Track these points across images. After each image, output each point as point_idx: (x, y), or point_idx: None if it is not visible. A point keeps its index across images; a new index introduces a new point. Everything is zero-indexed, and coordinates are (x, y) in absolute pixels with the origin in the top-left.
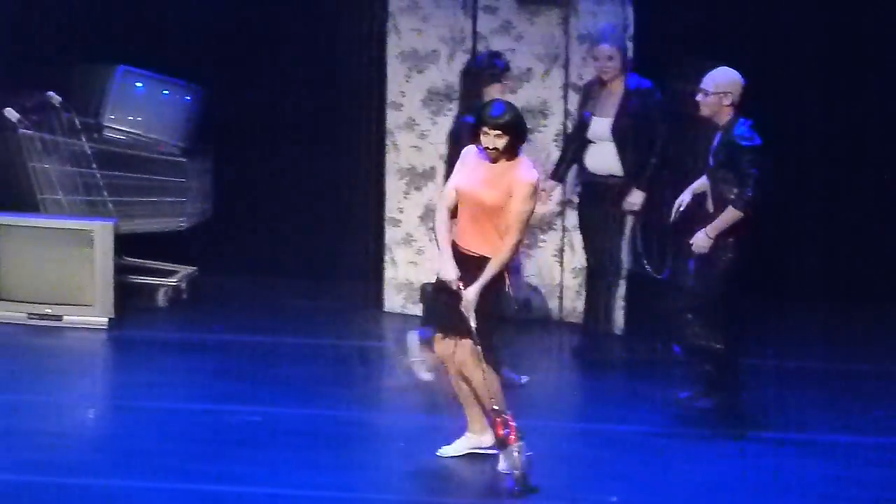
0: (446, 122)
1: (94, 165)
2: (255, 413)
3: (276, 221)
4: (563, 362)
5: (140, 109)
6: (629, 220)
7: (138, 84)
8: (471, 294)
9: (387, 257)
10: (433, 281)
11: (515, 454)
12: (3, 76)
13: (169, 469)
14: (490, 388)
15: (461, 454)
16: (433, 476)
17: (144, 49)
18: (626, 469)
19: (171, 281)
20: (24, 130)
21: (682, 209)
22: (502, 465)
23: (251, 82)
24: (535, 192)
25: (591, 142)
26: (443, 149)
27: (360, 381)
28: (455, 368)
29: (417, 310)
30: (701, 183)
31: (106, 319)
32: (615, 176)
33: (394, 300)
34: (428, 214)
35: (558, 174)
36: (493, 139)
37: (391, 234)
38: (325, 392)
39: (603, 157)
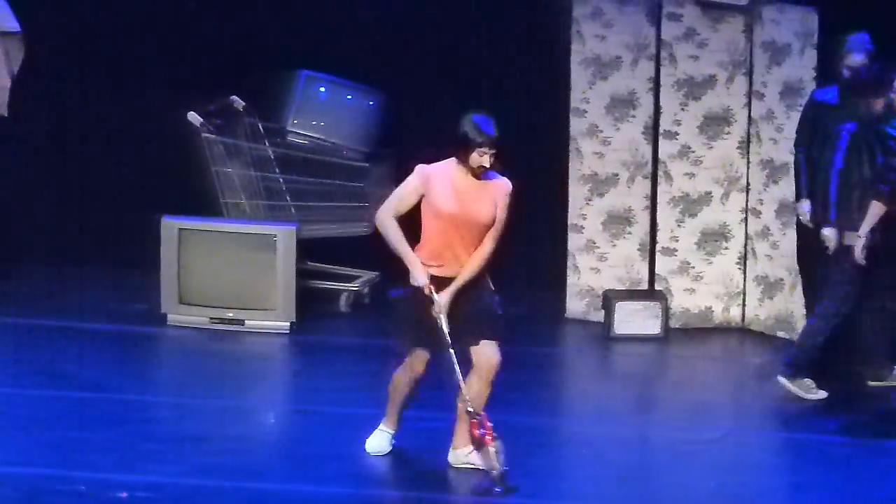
0: (629, 129)
1: (277, 170)
2: (438, 419)
3: None
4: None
5: (323, 114)
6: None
7: (322, 89)
8: (444, 298)
9: (569, 263)
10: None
11: (492, 453)
12: (187, 81)
13: (349, 474)
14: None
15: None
16: (621, 483)
17: (327, 54)
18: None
19: (353, 286)
20: (207, 135)
21: None
22: (481, 465)
23: (433, 87)
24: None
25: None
26: (625, 155)
27: (542, 388)
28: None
29: (599, 316)
30: None
31: (288, 324)
32: None
33: (576, 306)
34: (610, 221)
35: (807, 190)
36: (488, 158)
37: (574, 241)
38: (507, 398)
39: None
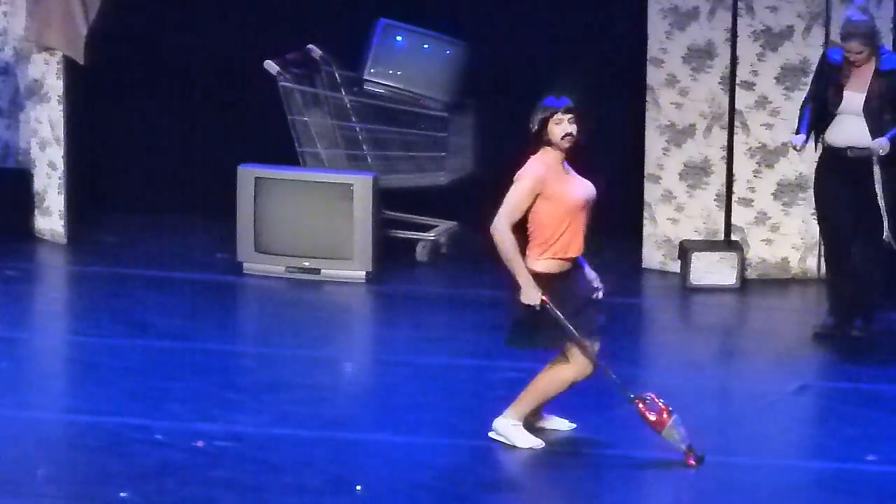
0: (707, 80)
1: (355, 119)
2: (515, 369)
3: None
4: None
5: (401, 63)
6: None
7: (399, 38)
8: (593, 277)
9: (646, 214)
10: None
11: (675, 430)
12: (264, 29)
13: (429, 424)
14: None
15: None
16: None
17: (407, 2)
18: None
19: (431, 236)
20: (285, 83)
21: None
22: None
23: (513, 37)
24: None
25: (835, 114)
26: (703, 106)
27: (620, 338)
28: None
29: (676, 266)
30: None
31: (364, 273)
32: (857, 147)
33: (653, 257)
34: (687, 171)
35: (806, 129)
36: (567, 123)
37: (651, 191)
38: None
39: (850, 131)
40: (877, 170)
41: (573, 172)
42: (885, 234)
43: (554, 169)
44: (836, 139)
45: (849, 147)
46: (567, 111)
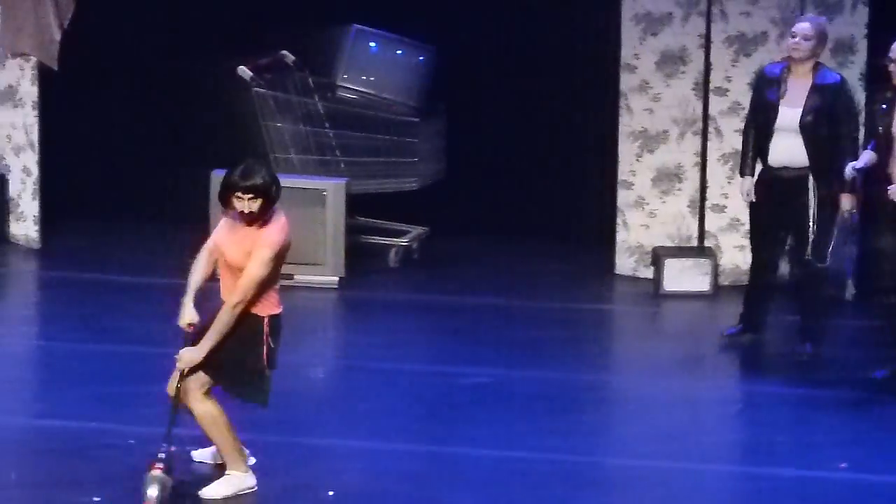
0: (679, 85)
1: (327, 125)
2: (485, 375)
3: (507, 183)
4: None
5: (373, 69)
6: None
7: (372, 44)
8: (187, 355)
9: (619, 220)
10: None
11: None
12: (237, 36)
13: (397, 429)
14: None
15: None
16: (668, 439)
17: (378, 8)
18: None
19: (403, 241)
20: (258, 89)
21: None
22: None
23: (483, 42)
24: (277, 258)
25: (772, 131)
26: (675, 112)
27: (591, 345)
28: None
29: (649, 273)
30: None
31: (337, 279)
32: (792, 168)
33: (625, 263)
34: (660, 177)
35: (750, 167)
36: (248, 203)
37: (623, 197)
38: (555, 355)
39: (785, 150)
40: (811, 189)
41: (250, 233)
42: (807, 252)
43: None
44: (772, 159)
45: (784, 167)
46: (246, 191)
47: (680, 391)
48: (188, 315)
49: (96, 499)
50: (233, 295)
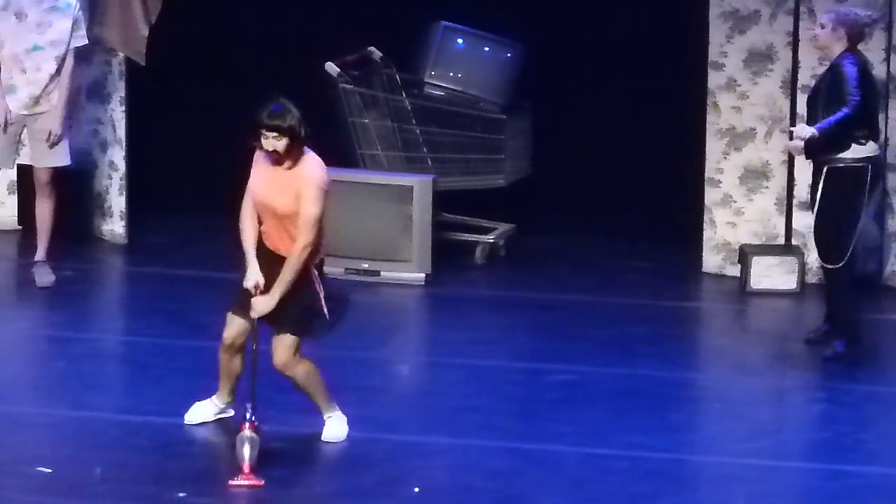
0: (767, 83)
1: (414, 121)
2: (571, 372)
3: (593, 180)
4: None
5: (461, 66)
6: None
7: (459, 40)
8: (260, 304)
9: (706, 218)
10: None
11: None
12: (325, 32)
13: (483, 426)
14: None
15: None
16: (755, 437)
17: (466, 5)
18: None
19: (489, 238)
20: (345, 85)
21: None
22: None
23: (570, 40)
24: (324, 193)
25: None
26: (763, 109)
27: (677, 342)
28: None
29: (735, 270)
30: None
31: (423, 275)
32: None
33: (712, 261)
34: (747, 175)
35: None
36: (272, 141)
37: (710, 195)
38: (642, 352)
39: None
40: (821, 180)
41: (291, 177)
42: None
43: (262, 160)
44: None
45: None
46: (270, 129)
47: (766, 389)
48: (254, 276)
49: (181, 494)
50: (298, 239)
